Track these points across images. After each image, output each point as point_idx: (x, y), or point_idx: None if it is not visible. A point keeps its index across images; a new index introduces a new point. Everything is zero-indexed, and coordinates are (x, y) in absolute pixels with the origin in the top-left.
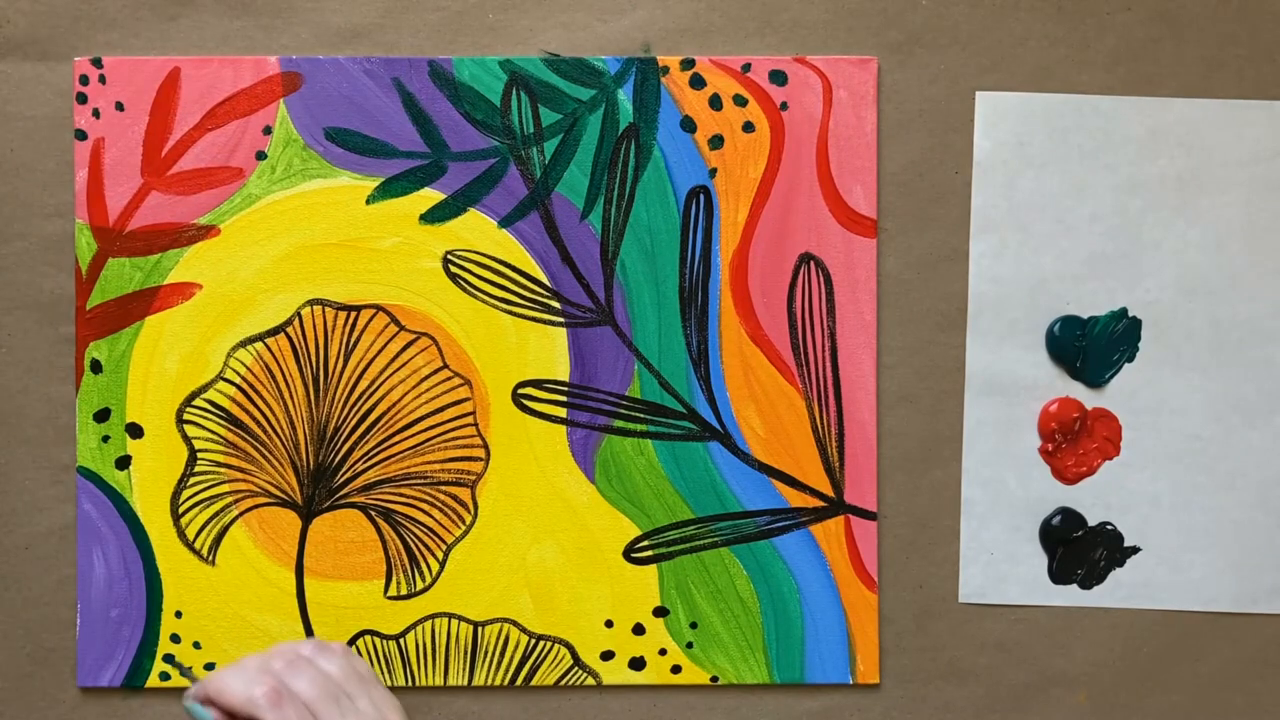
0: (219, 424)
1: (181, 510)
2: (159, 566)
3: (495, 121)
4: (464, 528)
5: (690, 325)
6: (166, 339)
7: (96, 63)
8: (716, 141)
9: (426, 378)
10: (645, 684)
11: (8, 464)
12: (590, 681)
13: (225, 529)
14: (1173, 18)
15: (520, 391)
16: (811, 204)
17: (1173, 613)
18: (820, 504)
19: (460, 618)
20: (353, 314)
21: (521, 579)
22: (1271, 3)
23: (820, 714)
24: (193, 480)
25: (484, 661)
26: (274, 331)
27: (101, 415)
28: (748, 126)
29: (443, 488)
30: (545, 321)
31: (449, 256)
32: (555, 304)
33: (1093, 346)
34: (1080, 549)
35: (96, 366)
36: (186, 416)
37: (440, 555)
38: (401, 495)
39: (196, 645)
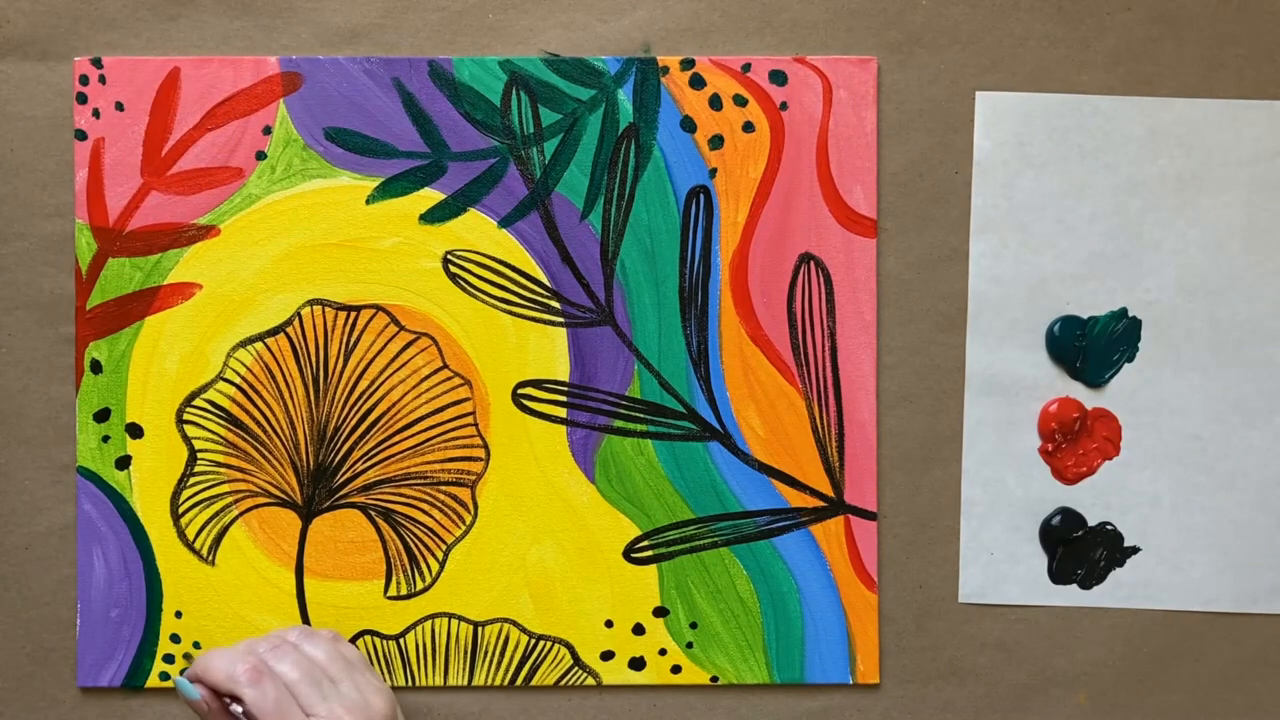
0: (219, 424)
1: (181, 510)
2: (159, 566)
3: (495, 121)
4: (464, 528)
5: (690, 325)
6: (166, 339)
7: (96, 63)
8: (716, 141)
9: (426, 378)
10: (645, 684)
11: (8, 464)
12: (590, 681)
13: (225, 529)
14: (1173, 18)
15: (520, 391)
16: (811, 204)
17: (1173, 613)
18: (820, 504)
19: (460, 618)
20: (353, 314)
21: (521, 579)
22: (1271, 3)
23: (820, 714)
24: (193, 480)
25: (484, 661)
26: (274, 331)
27: (101, 415)
28: (748, 126)
29: (443, 488)
30: (545, 321)
31: (449, 256)
32: (555, 304)
33: (1093, 346)
34: (1080, 549)
35: (96, 366)
36: (186, 416)
37: (440, 555)
38: (401, 495)
39: (196, 645)
